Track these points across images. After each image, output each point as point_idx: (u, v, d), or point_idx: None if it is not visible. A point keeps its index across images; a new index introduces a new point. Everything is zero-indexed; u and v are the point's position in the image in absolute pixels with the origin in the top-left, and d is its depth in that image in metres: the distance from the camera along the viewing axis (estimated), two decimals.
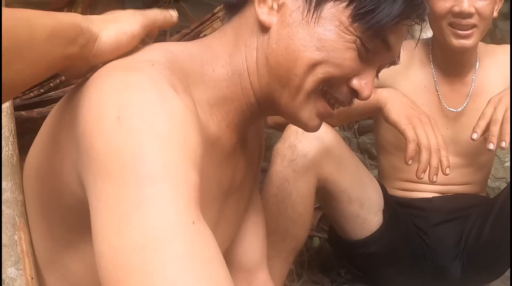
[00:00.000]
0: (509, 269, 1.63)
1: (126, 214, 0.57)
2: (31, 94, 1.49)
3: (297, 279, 1.84)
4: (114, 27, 0.74)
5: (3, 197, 0.89)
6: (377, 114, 1.47)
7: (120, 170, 0.60)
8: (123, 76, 0.67)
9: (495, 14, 1.52)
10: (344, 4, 0.79)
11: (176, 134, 0.63)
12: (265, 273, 1.10)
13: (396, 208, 1.61)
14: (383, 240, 1.52)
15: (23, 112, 1.33)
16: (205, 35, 0.90)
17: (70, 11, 2.30)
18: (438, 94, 1.60)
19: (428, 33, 1.85)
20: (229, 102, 0.84)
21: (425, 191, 1.65)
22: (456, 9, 1.44)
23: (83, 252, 0.77)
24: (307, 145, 1.36)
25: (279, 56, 0.81)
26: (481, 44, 1.61)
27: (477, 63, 1.60)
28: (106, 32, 0.73)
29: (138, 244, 0.56)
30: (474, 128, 1.39)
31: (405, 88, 1.54)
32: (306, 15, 0.80)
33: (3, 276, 0.89)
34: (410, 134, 1.34)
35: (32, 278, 0.87)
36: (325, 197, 1.47)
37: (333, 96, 0.85)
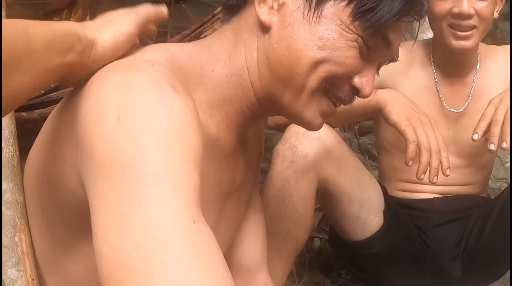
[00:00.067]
0: (510, 270, 1.63)
1: (127, 214, 0.57)
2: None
3: (298, 280, 1.84)
4: (109, 29, 0.74)
5: (4, 198, 0.89)
6: (377, 115, 1.47)
7: (121, 170, 0.60)
8: (123, 76, 0.67)
9: (496, 15, 1.52)
10: (344, 3, 0.80)
11: (177, 134, 0.63)
12: (265, 274, 1.10)
13: (397, 209, 1.60)
14: (383, 241, 1.52)
15: (23, 113, 1.33)
16: (205, 36, 0.90)
17: (71, 12, 2.30)
18: (439, 95, 1.60)
19: (428, 34, 1.85)
20: (228, 103, 0.84)
21: (426, 192, 1.64)
22: (456, 10, 1.44)
23: (84, 253, 0.77)
24: (308, 146, 1.36)
25: (281, 55, 0.81)
26: (481, 45, 1.61)
27: (478, 63, 1.60)
28: (102, 36, 0.73)
29: (138, 243, 0.56)
30: (475, 129, 1.39)
31: (405, 88, 1.54)
32: (307, 14, 0.80)
33: (4, 278, 0.89)
34: (410, 135, 1.34)
35: (33, 279, 0.87)
36: (325, 198, 1.47)
37: (335, 95, 0.86)
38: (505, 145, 1.32)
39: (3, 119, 0.93)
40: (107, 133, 0.62)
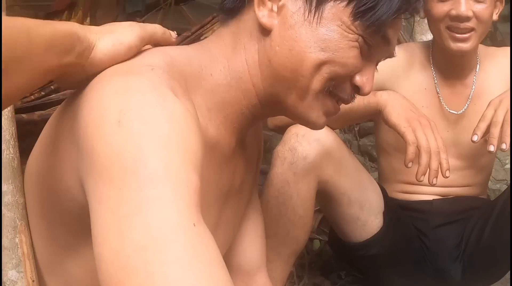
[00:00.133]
0: (510, 271, 1.63)
1: (127, 216, 0.58)
2: (32, 97, 1.50)
3: (298, 281, 1.84)
4: (111, 37, 0.74)
5: (4, 200, 0.89)
6: (377, 116, 1.47)
7: (121, 172, 0.60)
8: (123, 80, 0.67)
9: (495, 17, 1.52)
10: (344, 3, 0.80)
11: (177, 137, 0.63)
12: (264, 276, 1.10)
13: (397, 211, 1.61)
14: (383, 242, 1.52)
15: (24, 115, 1.33)
16: (205, 38, 0.90)
17: (71, 14, 2.30)
18: (438, 97, 1.60)
19: (428, 36, 1.85)
20: (228, 106, 0.84)
21: (426, 194, 1.64)
22: (454, 12, 1.44)
23: (84, 255, 0.77)
24: (307, 148, 1.36)
25: (284, 58, 0.81)
26: (481, 47, 1.61)
27: (478, 65, 1.60)
28: (103, 41, 0.73)
29: (139, 245, 0.56)
30: (474, 130, 1.39)
31: (405, 90, 1.55)
32: (308, 16, 0.80)
33: (4, 279, 0.89)
34: (409, 136, 1.34)
35: (33, 281, 0.87)
36: (325, 200, 1.47)
37: (337, 95, 0.86)
38: (505, 146, 1.32)
39: (3, 121, 0.93)
40: (108, 136, 0.62)
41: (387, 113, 1.40)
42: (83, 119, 0.66)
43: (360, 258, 1.57)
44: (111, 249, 0.57)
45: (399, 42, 2.28)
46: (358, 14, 0.80)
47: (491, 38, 2.77)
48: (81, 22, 2.26)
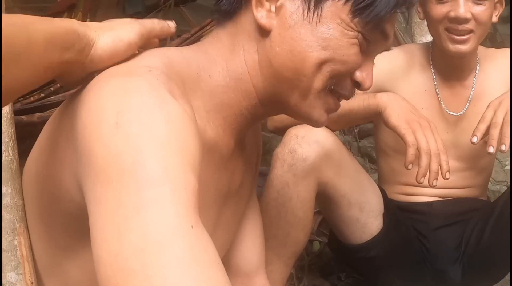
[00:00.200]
0: (509, 273, 1.63)
1: (125, 218, 0.57)
2: (32, 98, 1.50)
3: (298, 283, 1.84)
4: (111, 34, 0.74)
5: (3, 202, 0.89)
6: (377, 118, 1.47)
7: (119, 174, 0.60)
8: (121, 81, 0.67)
9: (495, 19, 1.52)
10: (342, 1, 0.80)
11: (175, 139, 0.63)
12: (264, 277, 1.10)
13: (396, 212, 1.60)
14: (383, 244, 1.52)
15: (23, 117, 1.33)
16: (203, 39, 0.90)
17: (71, 15, 2.30)
18: (438, 98, 1.60)
19: (428, 37, 1.85)
20: (226, 107, 0.84)
21: (425, 195, 1.64)
22: (452, 14, 1.44)
23: (83, 257, 0.77)
24: (307, 150, 1.36)
25: (284, 58, 0.81)
26: (481, 48, 1.61)
27: (477, 67, 1.60)
28: (102, 39, 0.73)
29: (137, 248, 0.56)
30: (474, 131, 1.39)
31: (405, 92, 1.54)
32: (307, 15, 0.80)
33: (3, 281, 0.89)
34: (409, 138, 1.34)
35: (32, 283, 0.87)
36: (325, 202, 1.47)
37: (338, 92, 0.87)
38: (504, 147, 1.32)
39: (2, 123, 0.93)
40: (106, 138, 0.62)
41: (387, 115, 1.40)
42: (81, 121, 0.66)
43: (359, 260, 1.56)
44: (109, 251, 0.57)
45: (398, 44, 2.29)
46: (357, 11, 0.80)
47: (491, 39, 2.77)
48: None
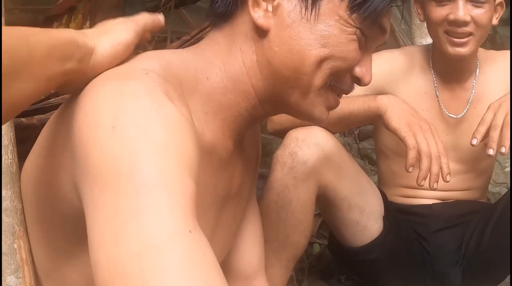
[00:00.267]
0: (510, 275, 1.63)
1: (123, 223, 0.57)
2: None
3: (298, 285, 1.84)
4: (108, 38, 0.75)
5: (3, 205, 0.89)
6: (377, 121, 1.47)
7: (116, 178, 0.59)
8: (117, 85, 0.67)
9: (495, 22, 1.52)
10: None
11: (172, 142, 0.63)
12: (263, 279, 1.10)
13: (397, 215, 1.60)
14: (383, 247, 1.52)
15: (23, 119, 1.33)
16: (200, 41, 0.90)
17: (70, 17, 2.30)
18: (438, 100, 1.60)
19: (428, 39, 1.85)
20: (225, 109, 0.84)
21: (425, 198, 1.64)
22: (452, 17, 1.44)
23: (81, 262, 0.77)
24: (307, 152, 1.36)
25: (284, 58, 0.81)
26: (481, 50, 1.61)
27: (477, 69, 1.60)
28: (101, 45, 0.73)
29: (135, 252, 0.56)
30: (473, 133, 1.39)
31: (405, 94, 1.54)
32: (305, 13, 0.80)
33: (3, 284, 0.89)
34: (410, 141, 1.34)
35: None
36: (325, 204, 1.47)
37: (338, 88, 0.87)
38: (504, 149, 1.32)
39: (2, 126, 0.93)
40: (102, 142, 0.62)
41: (388, 118, 1.40)
42: (77, 125, 0.66)
43: (360, 263, 1.56)
44: (107, 256, 0.57)
45: (398, 46, 2.29)
46: (355, 7, 0.80)
47: (491, 41, 2.77)
48: (81, 25, 2.25)
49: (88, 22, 2.28)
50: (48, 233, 0.82)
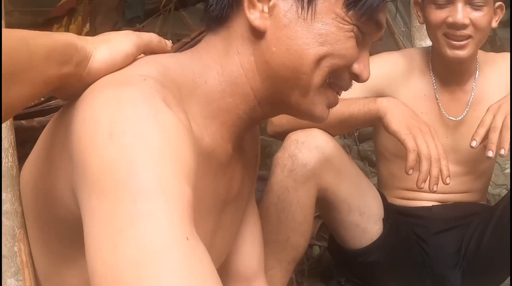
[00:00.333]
0: (509, 277, 1.63)
1: (120, 230, 0.57)
2: (32, 103, 1.49)
3: None
4: (108, 46, 0.75)
5: (3, 208, 0.89)
6: (377, 123, 1.47)
7: (114, 186, 0.59)
8: (115, 92, 0.67)
9: (495, 24, 1.51)
10: None
11: (169, 149, 0.63)
12: (263, 282, 1.10)
13: (396, 217, 1.60)
14: (383, 249, 1.52)
15: (23, 122, 1.33)
16: (197, 45, 0.90)
17: (70, 20, 2.30)
18: (438, 103, 1.60)
19: (427, 41, 1.85)
20: (223, 112, 0.84)
21: (425, 200, 1.64)
22: (450, 20, 1.44)
23: (80, 266, 0.77)
24: (307, 155, 1.36)
25: (282, 58, 0.81)
26: (481, 52, 1.61)
27: (477, 71, 1.60)
28: (99, 51, 0.73)
29: (132, 260, 0.55)
30: (473, 135, 1.38)
31: (405, 96, 1.54)
32: (301, 12, 0.80)
33: None
34: (410, 144, 1.34)
35: None
36: (325, 207, 1.47)
37: (337, 85, 0.87)
38: (503, 151, 1.31)
39: (2, 129, 0.93)
40: (100, 149, 0.62)
41: (387, 120, 1.40)
42: (75, 131, 0.66)
43: (359, 265, 1.56)
44: (104, 263, 0.57)
45: (398, 48, 2.29)
46: (351, 4, 0.81)
47: (491, 43, 2.77)
48: (81, 28, 2.26)
49: (87, 24, 2.28)
50: (47, 237, 0.82)
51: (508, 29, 2.50)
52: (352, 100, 1.42)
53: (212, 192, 0.85)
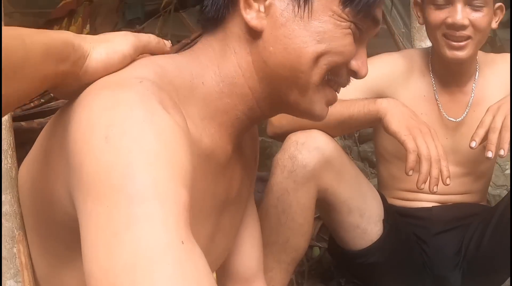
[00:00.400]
0: (510, 278, 1.63)
1: (116, 234, 0.57)
2: (32, 104, 1.49)
3: None
4: (105, 45, 0.74)
5: (2, 210, 0.89)
6: (377, 124, 1.47)
7: (109, 189, 0.59)
8: (111, 94, 0.66)
9: (495, 25, 1.51)
10: None
11: (165, 152, 0.62)
12: (262, 282, 1.10)
13: (396, 218, 1.60)
14: (383, 250, 1.52)
15: (23, 123, 1.33)
16: (194, 46, 0.90)
17: (71, 21, 2.31)
18: (437, 104, 1.60)
19: (427, 42, 1.85)
20: (221, 113, 0.84)
21: (425, 201, 1.64)
22: (450, 20, 1.44)
23: (79, 268, 0.76)
24: (307, 156, 1.36)
25: (280, 57, 0.81)
26: (480, 53, 1.61)
27: (477, 72, 1.60)
28: (97, 50, 0.73)
29: (127, 264, 0.55)
30: (472, 136, 1.38)
31: (404, 97, 1.54)
32: (298, 11, 0.80)
33: None
34: (410, 144, 1.34)
35: None
36: (325, 208, 1.47)
37: (336, 82, 0.87)
38: (503, 152, 1.31)
39: (2, 131, 0.93)
40: (95, 152, 0.61)
41: (387, 121, 1.39)
42: (72, 134, 0.65)
43: (359, 266, 1.56)
44: (100, 267, 0.57)
45: (398, 49, 2.29)
46: (347, 1, 0.81)
47: (491, 44, 2.77)
48: (81, 29, 2.26)
49: (88, 26, 2.28)
50: (45, 239, 0.82)
51: (508, 30, 2.49)
52: (352, 101, 1.42)
53: (212, 193, 0.85)
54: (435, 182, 1.32)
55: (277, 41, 0.81)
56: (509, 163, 2.54)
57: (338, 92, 0.90)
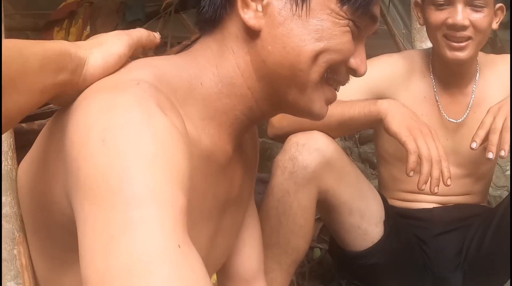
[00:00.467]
0: (510, 279, 1.63)
1: (112, 238, 0.57)
2: None
3: None
4: (100, 50, 0.75)
5: (3, 211, 0.89)
6: (378, 125, 1.47)
7: (106, 192, 0.59)
8: (108, 97, 0.66)
9: (496, 26, 1.51)
10: None
11: (162, 155, 0.62)
12: (263, 283, 1.10)
13: (397, 219, 1.60)
14: (384, 251, 1.52)
15: (24, 125, 1.33)
16: (192, 47, 0.90)
17: (71, 22, 2.31)
18: (438, 105, 1.60)
19: (428, 43, 1.85)
20: (220, 114, 0.84)
21: (426, 202, 1.64)
22: (450, 21, 1.44)
23: (78, 271, 0.76)
24: (308, 157, 1.36)
25: (279, 56, 0.81)
26: (481, 54, 1.61)
27: (478, 73, 1.60)
28: (93, 56, 0.73)
29: (124, 268, 0.55)
30: (473, 137, 1.38)
31: (405, 98, 1.54)
32: (296, 10, 0.80)
33: None
34: (411, 145, 1.34)
35: None
36: (325, 209, 1.47)
37: (335, 80, 0.87)
38: (503, 153, 1.31)
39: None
40: (93, 156, 0.61)
41: (388, 122, 1.39)
42: (69, 137, 0.65)
43: (360, 267, 1.56)
44: (97, 271, 0.56)
45: (399, 50, 2.29)
46: None
47: (492, 45, 2.77)
48: (81, 30, 2.26)
49: (88, 27, 2.28)
50: (44, 241, 0.81)
51: (509, 31, 2.50)
52: (353, 102, 1.41)
53: (212, 194, 0.85)
54: (436, 183, 1.32)
55: (276, 40, 0.81)
56: (509, 164, 2.54)
57: (337, 91, 0.89)
